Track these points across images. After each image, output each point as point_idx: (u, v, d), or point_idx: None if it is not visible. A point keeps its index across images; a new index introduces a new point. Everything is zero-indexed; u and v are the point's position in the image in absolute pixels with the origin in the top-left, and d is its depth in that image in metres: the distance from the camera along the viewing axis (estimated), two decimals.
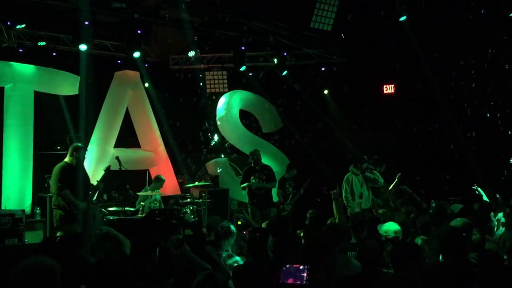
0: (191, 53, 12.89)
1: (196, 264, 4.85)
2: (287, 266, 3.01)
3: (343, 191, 9.52)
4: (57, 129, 11.94)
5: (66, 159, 7.98)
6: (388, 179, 10.06)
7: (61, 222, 7.74)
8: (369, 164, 9.83)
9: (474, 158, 11.61)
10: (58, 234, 7.78)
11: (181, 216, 9.51)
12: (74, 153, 7.93)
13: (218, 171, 12.78)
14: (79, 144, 8.17)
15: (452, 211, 7.43)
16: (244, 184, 10.19)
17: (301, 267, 2.99)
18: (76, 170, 7.92)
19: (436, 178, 11.58)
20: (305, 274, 2.97)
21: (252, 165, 10.32)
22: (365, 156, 10.06)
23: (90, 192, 8.08)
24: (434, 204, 7.70)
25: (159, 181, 10.77)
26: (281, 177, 11.39)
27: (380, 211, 8.14)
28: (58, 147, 10.59)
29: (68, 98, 11.66)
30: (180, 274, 4.21)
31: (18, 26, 10.60)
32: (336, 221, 7.12)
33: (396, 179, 9.94)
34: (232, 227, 5.65)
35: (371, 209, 9.03)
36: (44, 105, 11.07)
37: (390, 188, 9.64)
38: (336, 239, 4.80)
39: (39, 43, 11.18)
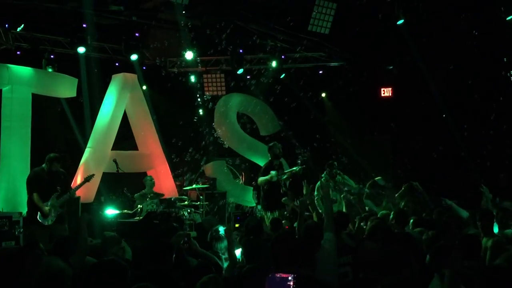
0: (188, 55, 12.89)
1: (203, 257, 4.89)
2: (273, 275, 2.98)
3: (315, 197, 9.60)
4: (55, 132, 11.97)
5: (43, 165, 8.32)
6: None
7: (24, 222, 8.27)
8: (338, 169, 9.87)
9: (472, 160, 11.65)
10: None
11: (182, 218, 9.51)
12: (48, 163, 8.27)
13: (216, 172, 12.76)
14: (55, 155, 8.38)
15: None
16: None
17: (287, 277, 2.96)
18: (48, 176, 8.22)
19: (433, 181, 11.60)
20: (291, 283, 2.94)
21: (271, 159, 9.65)
22: (335, 162, 10.06)
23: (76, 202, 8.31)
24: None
25: (145, 180, 10.74)
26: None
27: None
28: (56, 150, 10.56)
29: (65, 100, 11.69)
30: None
31: (18, 29, 10.57)
32: (314, 218, 7.03)
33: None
34: (222, 231, 5.63)
35: None
36: (42, 108, 11.07)
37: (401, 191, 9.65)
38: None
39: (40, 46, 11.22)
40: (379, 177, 10.02)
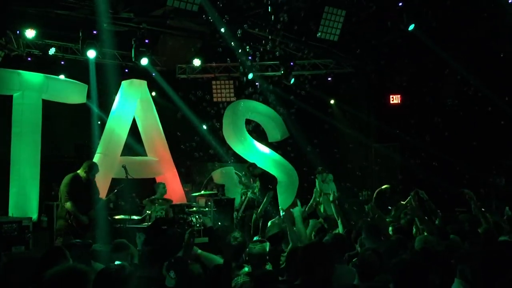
0: (197, 62, 12.95)
1: (205, 260, 4.88)
2: None
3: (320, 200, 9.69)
4: (64, 138, 12.04)
5: (79, 171, 8.31)
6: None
7: (62, 231, 8.11)
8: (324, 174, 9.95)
9: (480, 169, 11.58)
10: (57, 241, 7.98)
11: (191, 224, 9.51)
12: (88, 169, 8.32)
13: (225, 179, 12.78)
14: (94, 162, 8.38)
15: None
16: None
17: None
18: (85, 184, 8.22)
19: (442, 189, 11.54)
20: None
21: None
22: (320, 168, 10.08)
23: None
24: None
25: (157, 187, 10.80)
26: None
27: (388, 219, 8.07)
28: (65, 155, 10.63)
29: (74, 106, 11.76)
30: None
31: (30, 38, 10.64)
32: (340, 228, 6.99)
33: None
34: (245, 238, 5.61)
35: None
36: (52, 113, 11.14)
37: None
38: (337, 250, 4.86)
39: (49, 52, 11.30)
40: (386, 186, 9.91)
